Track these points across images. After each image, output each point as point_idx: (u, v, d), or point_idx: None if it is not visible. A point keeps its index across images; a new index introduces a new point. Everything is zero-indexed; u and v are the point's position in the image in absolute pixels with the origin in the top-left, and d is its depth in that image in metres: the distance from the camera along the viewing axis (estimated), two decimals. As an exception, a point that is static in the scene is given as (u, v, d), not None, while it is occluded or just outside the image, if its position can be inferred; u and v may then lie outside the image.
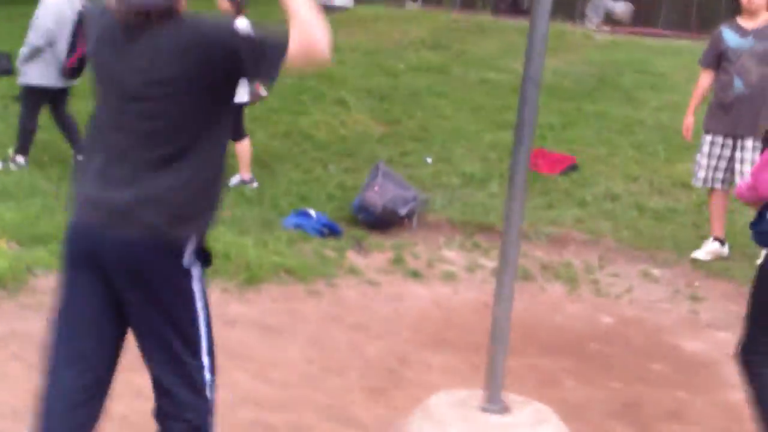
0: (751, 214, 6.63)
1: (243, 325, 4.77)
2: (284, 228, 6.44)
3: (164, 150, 2.42)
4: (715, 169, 6.26)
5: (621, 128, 9.27)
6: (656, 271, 6.12)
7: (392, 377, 4.32)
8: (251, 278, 5.41)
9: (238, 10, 7.20)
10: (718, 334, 5.17)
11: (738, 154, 6.17)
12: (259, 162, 8.03)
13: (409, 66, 11.38)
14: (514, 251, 3.28)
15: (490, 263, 6.00)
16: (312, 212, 6.68)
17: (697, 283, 5.93)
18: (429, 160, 8.27)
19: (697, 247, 6.36)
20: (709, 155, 6.28)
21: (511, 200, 3.28)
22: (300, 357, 4.45)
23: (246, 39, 2.36)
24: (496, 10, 15.88)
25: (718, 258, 6.26)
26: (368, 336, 4.82)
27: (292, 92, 10.26)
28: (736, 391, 4.39)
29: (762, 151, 3.22)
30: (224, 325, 4.63)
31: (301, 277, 5.57)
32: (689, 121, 6.48)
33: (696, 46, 11.99)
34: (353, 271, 5.82)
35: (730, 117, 6.18)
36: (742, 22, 6.22)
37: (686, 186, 7.44)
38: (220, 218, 6.38)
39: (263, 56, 2.37)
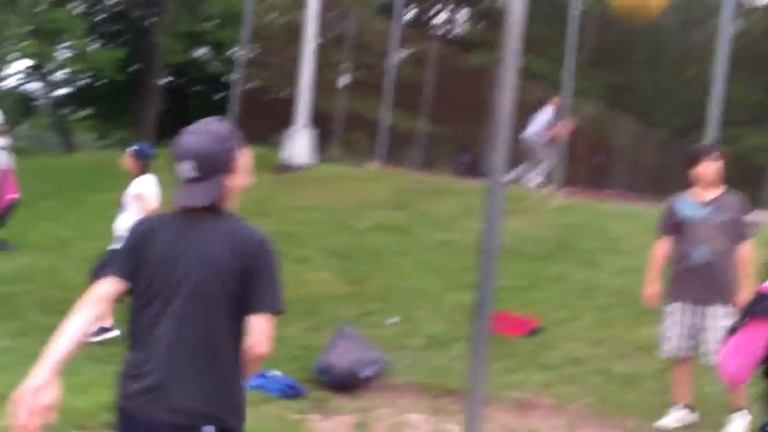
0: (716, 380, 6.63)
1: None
2: (246, 389, 6.29)
3: None
4: (684, 337, 6.27)
5: (582, 291, 9.33)
6: (624, 439, 6.04)
7: None
8: (211, 442, 5.22)
9: (143, 170, 7.37)
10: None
11: (703, 321, 6.19)
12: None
13: (371, 225, 11.47)
14: (479, 418, 3.22)
15: (456, 428, 5.88)
16: (275, 372, 6.56)
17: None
18: (392, 320, 8.23)
19: (664, 414, 6.31)
20: (680, 324, 6.27)
21: (474, 364, 3.24)
22: None
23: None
24: (455, 171, 16.19)
25: (686, 426, 6.20)
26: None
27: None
28: None
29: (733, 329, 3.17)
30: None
31: (263, 441, 5.40)
32: (653, 289, 6.51)
33: (651, 209, 12.28)
34: (316, 435, 5.67)
35: (694, 285, 6.22)
36: (697, 193, 6.35)
37: (649, 351, 7.42)
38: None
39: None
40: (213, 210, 2.81)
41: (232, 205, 2.87)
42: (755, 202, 14.90)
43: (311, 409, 6.10)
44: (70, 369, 2.73)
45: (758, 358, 2.85)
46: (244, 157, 2.85)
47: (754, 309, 2.88)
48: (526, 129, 14.78)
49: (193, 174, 2.76)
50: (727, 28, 13.51)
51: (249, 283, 2.79)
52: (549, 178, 14.65)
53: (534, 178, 14.87)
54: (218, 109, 27.86)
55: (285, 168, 14.85)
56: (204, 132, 2.81)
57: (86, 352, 3.51)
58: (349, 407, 6.22)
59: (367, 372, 6.64)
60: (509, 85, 4.11)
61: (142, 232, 2.86)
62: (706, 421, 6.29)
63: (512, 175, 14.40)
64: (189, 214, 2.81)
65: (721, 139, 15.68)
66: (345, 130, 18.83)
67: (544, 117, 15.00)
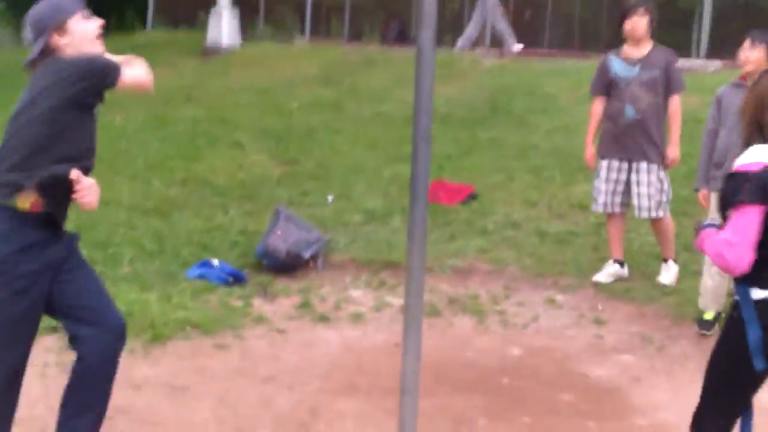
0: (647, 233, 6.82)
1: (151, 388, 4.66)
2: (188, 279, 6.35)
3: None
4: (613, 193, 6.41)
5: (516, 154, 9.41)
6: (560, 297, 6.22)
7: (304, 431, 4.27)
8: (156, 336, 5.30)
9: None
10: (623, 357, 5.29)
11: (633, 177, 6.33)
12: (158, 211, 7.90)
13: (303, 103, 11.37)
14: (419, 291, 3.28)
15: (397, 301, 6.01)
16: (215, 261, 6.60)
17: (600, 306, 6.04)
18: (330, 198, 8.26)
19: (598, 269, 6.50)
20: (606, 180, 6.42)
21: (413, 237, 3.27)
22: (211, 417, 4.36)
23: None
24: (384, 42, 15.97)
25: (619, 279, 6.40)
26: (279, 388, 4.75)
27: (186, 138, 10.16)
28: (642, 417, 4.50)
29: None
30: (131, 390, 4.53)
31: (207, 330, 5.48)
32: (590, 151, 6.59)
33: (581, 65, 12.31)
34: (260, 319, 5.76)
35: (623, 142, 6.34)
36: (628, 50, 6.39)
37: (584, 208, 7.59)
38: (121, 275, 6.26)
39: None
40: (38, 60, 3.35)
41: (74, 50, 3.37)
42: (685, 47, 15.00)
43: (254, 294, 6.18)
44: None
45: (756, 240, 2.90)
46: (76, 25, 3.38)
47: (739, 197, 2.91)
48: None
49: (29, 37, 3.39)
50: None
51: None
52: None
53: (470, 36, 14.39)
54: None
55: (211, 51, 14.55)
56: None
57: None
58: (292, 289, 6.31)
59: (308, 252, 6.70)
60: None
61: None
62: (638, 273, 6.50)
63: (461, 43, 14.19)
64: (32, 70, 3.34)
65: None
66: (269, 5, 18.40)
67: None
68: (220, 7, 14.94)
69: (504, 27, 14.18)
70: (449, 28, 17.69)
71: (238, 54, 14.35)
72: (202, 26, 15.38)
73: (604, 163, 6.44)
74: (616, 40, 6.70)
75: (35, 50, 3.35)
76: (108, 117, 10.56)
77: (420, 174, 3.28)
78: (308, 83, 12.34)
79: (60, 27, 3.35)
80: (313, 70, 12.92)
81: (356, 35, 17.46)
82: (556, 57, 14.03)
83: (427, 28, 3.98)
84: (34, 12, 3.39)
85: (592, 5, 19.53)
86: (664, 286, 6.26)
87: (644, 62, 6.30)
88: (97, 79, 3.27)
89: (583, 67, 11.96)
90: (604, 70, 6.49)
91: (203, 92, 12.18)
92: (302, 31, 16.43)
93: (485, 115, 10.76)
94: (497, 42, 14.36)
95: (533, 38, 17.19)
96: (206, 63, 14.09)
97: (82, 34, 3.39)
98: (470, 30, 14.31)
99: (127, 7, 27.86)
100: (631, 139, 6.31)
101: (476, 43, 14.30)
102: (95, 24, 3.45)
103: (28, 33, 3.39)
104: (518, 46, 14.27)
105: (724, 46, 12.91)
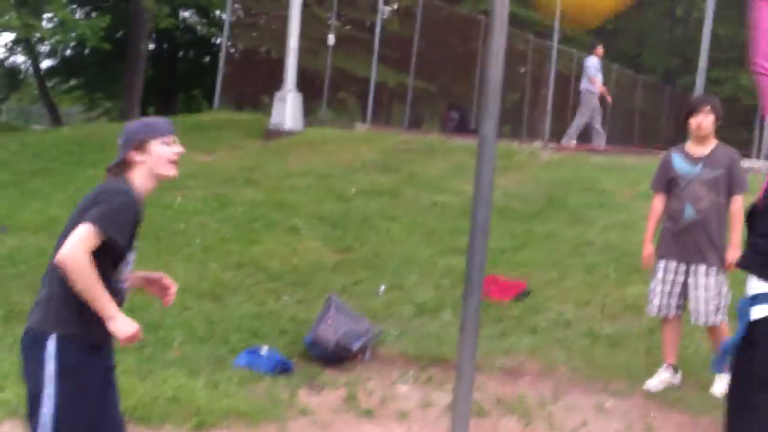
0: (703, 338, 6.67)
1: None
2: (235, 367, 6.36)
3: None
4: (670, 295, 6.30)
5: (571, 249, 9.36)
6: (610, 402, 6.09)
7: None
8: (200, 424, 5.30)
9: None
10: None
11: (691, 280, 6.22)
12: (211, 294, 7.98)
13: (361, 189, 11.48)
14: (467, 391, 3.25)
15: (445, 397, 5.94)
16: (264, 349, 6.61)
17: (652, 414, 5.90)
18: (382, 288, 8.27)
19: (650, 374, 6.37)
20: (663, 281, 6.31)
21: (465, 331, 3.26)
22: None
23: None
24: (444, 130, 16.15)
25: (671, 387, 6.26)
26: (321, 485, 4.70)
27: (243, 220, 10.29)
28: None
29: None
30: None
31: (251, 421, 5.46)
32: (648, 250, 6.50)
33: (640, 161, 12.28)
34: (305, 412, 5.72)
35: (682, 243, 6.24)
36: (691, 148, 6.33)
37: (638, 310, 7.48)
38: (171, 358, 6.30)
39: None
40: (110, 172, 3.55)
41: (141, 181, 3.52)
42: (746, 145, 14.89)
43: (301, 385, 6.16)
44: None
45: None
46: (156, 147, 3.52)
47: None
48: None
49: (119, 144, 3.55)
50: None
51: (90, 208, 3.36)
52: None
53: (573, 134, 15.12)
54: (205, 73, 27.78)
55: (274, 134, 14.82)
56: (141, 122, 3.65)
57: None
58: (339, 381, 6.28)
59: (357, 345, 6.68)
60: (498, 51, 4.04)
61: None
62: (692, 381, 6.36)
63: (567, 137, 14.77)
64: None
65: (711, 81, 15.62)
66: (333, 89, 18.76)
67: (591, 69, 15.05)
68: (284, 91, 15.26)
69: (598, 127, 14.67)
70: (509, 119, 17.85)
71: (300, 137, 14.58)
72: (266, 109, 15.72)
73: (662, 264, 6.33)
74: (677, 136, 6.64)
75: (115, 159, 3.54)
76: (168, 197, 10.79)
77: (476, 267, 3.29)
78: (366, 169, 12.48)
79: (141, 145, 3.53)
80: (371, 156, 13.06)
81: (416, 123, 17.70)
82: (614, 153, 14.03)
83: (489, 119, 4.04)
84: (129, 124, 3.63)
85: (654, 100, 19.57)
86: (718, 397, 6.11)
87: (707, 161, 6.23)
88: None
89: (642, 163, 11.95)
90: (665, 166, 6.42)
91: (263, 174, 12.37)
92: (364, 116, 16.69)
93: (541, 208, 10.75)
94: (556, 136, 14.48)
95: (591, 133, 17.24)
96: (268, 145, 14.33)
97: (158, 157, 3.54)
98: (576, 123, 14.80)
99: (196, 88, 28.73)
100: (690, 239, 6.21)
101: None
102: (174, 150, 3.60)
103: (119, 140, 3.56)
104: (572, 143, 14.58)
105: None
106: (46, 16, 23.13)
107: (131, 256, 3.52)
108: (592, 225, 10.07)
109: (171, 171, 3.58)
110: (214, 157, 13.64)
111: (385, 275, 8.62)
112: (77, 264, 3.22)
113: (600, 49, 15.17)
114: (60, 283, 3.32)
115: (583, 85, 15.15)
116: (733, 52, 24.18)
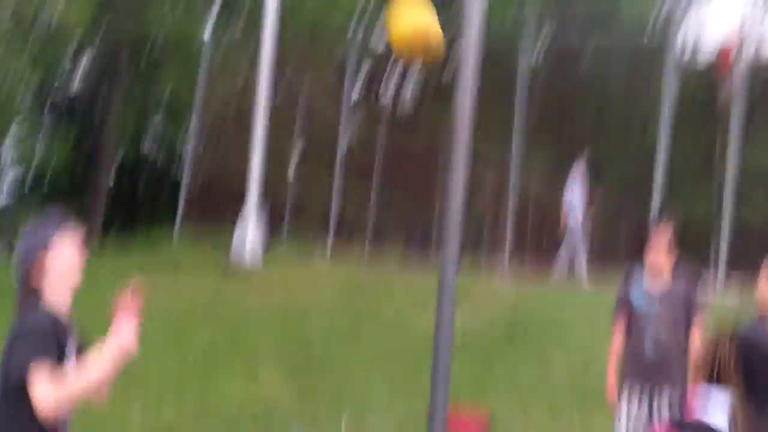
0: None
1: None
2: None
3: None
4: (630, 429, 6.25)
5: (533, 386, 9.28)
6: None
7: None
8: None
9: None
10: None
11: (655, 405, 6.19)
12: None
13: (321, 329, 11.38)
14: None
15: None
16: None
17: None
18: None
19: None
20: (624, 415, 6.28)
21: None
22: None
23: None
24: (406, 260, 16.19)
25: None
26: None
27: (202, 360, 10.15)
28: None
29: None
30: None
31: None
32: (612, 382, 6.46)
33: (600, 291, 12.32)
34: None
35: (643, 376, 6.24)
36: (648, 280, 6.32)
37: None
38: None
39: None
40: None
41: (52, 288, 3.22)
42: (703, 264, 15.02)
43: None
44: None
45: None
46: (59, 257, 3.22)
47: None
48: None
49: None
50: (669, 91, 13.79)
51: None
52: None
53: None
54: (166, 206, 27.66)
55: (233, 269, 14.72)
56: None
57: None
58: None
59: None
60: (460, 179, 4.07)
61: None
62: None
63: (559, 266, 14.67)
64: None
65: (668, 201, 15.86)
66: (295, 219, 18.84)
67: (578, 190, 15.16)
68: (245, 224, 15.24)
69: (582, 259, 14.70)
70: (469, 250, 17.95)
71: (260, 273, 14.52)
72: (227, 240, 15.61)
73: (625, 396, 6.30)
74: (636, 258, 6.55)
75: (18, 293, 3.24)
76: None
77: (438, 412, 3.28)
78: (327, 308, 12.37)
79: (38, 264, 3.21)
80: (332, 294, 12.97)
81: (379, 249, 17.69)
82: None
83: (449, 256, 4.02)
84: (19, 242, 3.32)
85: (610, 224, 19.78)
86: None
87: (667, 294, 6.24)
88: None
89: (603, 291, 11.98)
90: (624, 300, 6.42)
91: (221, 312, 12.23)
92: (324, 245, 16.73)
93: (501, 345, 10.68)
94: (514, 266, 14.58)
95: (554, 253, 17.36)
96: (228, 281, 14.21)
97: (59, 273, 3.23)
98: (564, 256, 14.81)
99: (154, 219, 28.54)
100: (652, 372, 6.20)
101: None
102: (72, 252, 3.27)
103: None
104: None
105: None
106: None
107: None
108: (554, 360, 10.02)
109: (76, 279, 3.28)
110: (172, 290, 13.48)
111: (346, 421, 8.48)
112: (58, 401, 2.98)
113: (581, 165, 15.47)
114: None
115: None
116: (687, 175, 24.69)
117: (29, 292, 3.19)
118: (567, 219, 15.04)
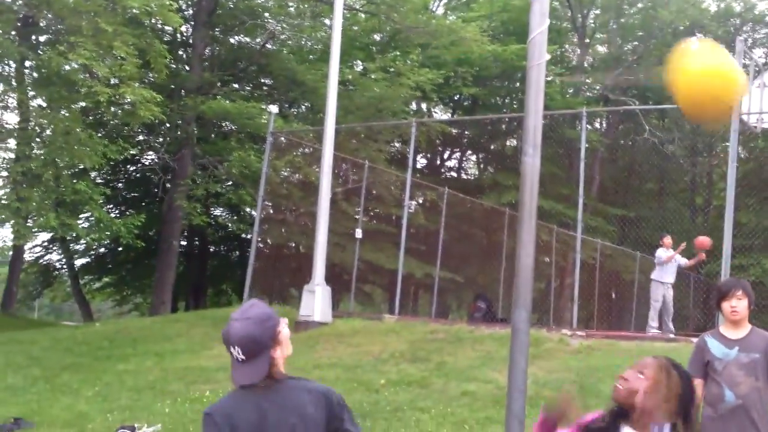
0: None
1: None
2: None
3: None
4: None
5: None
6: None
7: None
8: None
9: None
10: None
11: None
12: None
13: (390, 380, 11.46)
14: None
15: None
16: None
17: None
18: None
19: None
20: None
21: None
22: None
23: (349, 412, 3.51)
24: (471, 320, 16.24)
25: None
26: None
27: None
28: None
29: None
30: None
31: None
32: None
33: (669, 346, 12.22)
34: None
35: (726, 427, 6.14)
36: (726, 331, 6.30)
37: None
38: None
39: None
40: (269, 379, 3.31)
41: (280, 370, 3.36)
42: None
43: None
44: None
45: None
46: (284, 332, 3.38)
47: None
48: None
49: (241, 357, 3.28)
50: (734, 154, 13.75)
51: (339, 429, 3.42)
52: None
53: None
54: (235, 267, 28.26)
55: (303, 325, 14.95)
56: (246, 318, 3.32)
57: None
58: None
59: None
60: (528, 241, 4.22)
61: (224, 416, 3.34)
62: None
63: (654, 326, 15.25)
64: (250, 389, 3.31)
65: (735, 267, 15.80)
66: (360, 281, 19.02)
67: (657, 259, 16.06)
68: (313, 284, 15.49)
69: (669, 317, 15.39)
70: (536, 307, 17.96)
71: (328, 329, 14.68)
72: (294, 302, 15.91)
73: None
74: (707, 323, 6.64)
75: (260, 371, 3.31)
76: (197, 390, 10.80)
77: None
78: (395, 360, 12.48)
79: (276, 339, 3.35)
80: (400, 347, 13.09)
81: (443, 313, 17.82)
82: (643, 339, 14.01)
83: (521, 308, 4.16)
84: (240, 328, 3.31)
85: (680, 288, 19.66)
86: None
87: (743, 344, 6.18)
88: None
89: (671, 348, 11.90)
90: (700, 349, 6.34)
91: (292, 365, 12.37)
92: (391, 307, 16.86)
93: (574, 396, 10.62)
94: (583, 323, 14.54)
95: (619, 318, 17.33)
96: (297, 337, 14.42)
97: (287, 340, 3.41)
98: (650, 313, 15.45)
99: (225, 282, 29.17)
100: (733, 424, 6.10)
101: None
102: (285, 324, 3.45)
103: (234, 351, 3.30)
104: (653, 331, 15.12)
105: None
106: (82, 216, 23.87)
107: None
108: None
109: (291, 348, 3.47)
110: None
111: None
112: None
113: (667, 240, 15.94)
114: None
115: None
116: (755, 238, 24.45)
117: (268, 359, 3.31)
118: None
